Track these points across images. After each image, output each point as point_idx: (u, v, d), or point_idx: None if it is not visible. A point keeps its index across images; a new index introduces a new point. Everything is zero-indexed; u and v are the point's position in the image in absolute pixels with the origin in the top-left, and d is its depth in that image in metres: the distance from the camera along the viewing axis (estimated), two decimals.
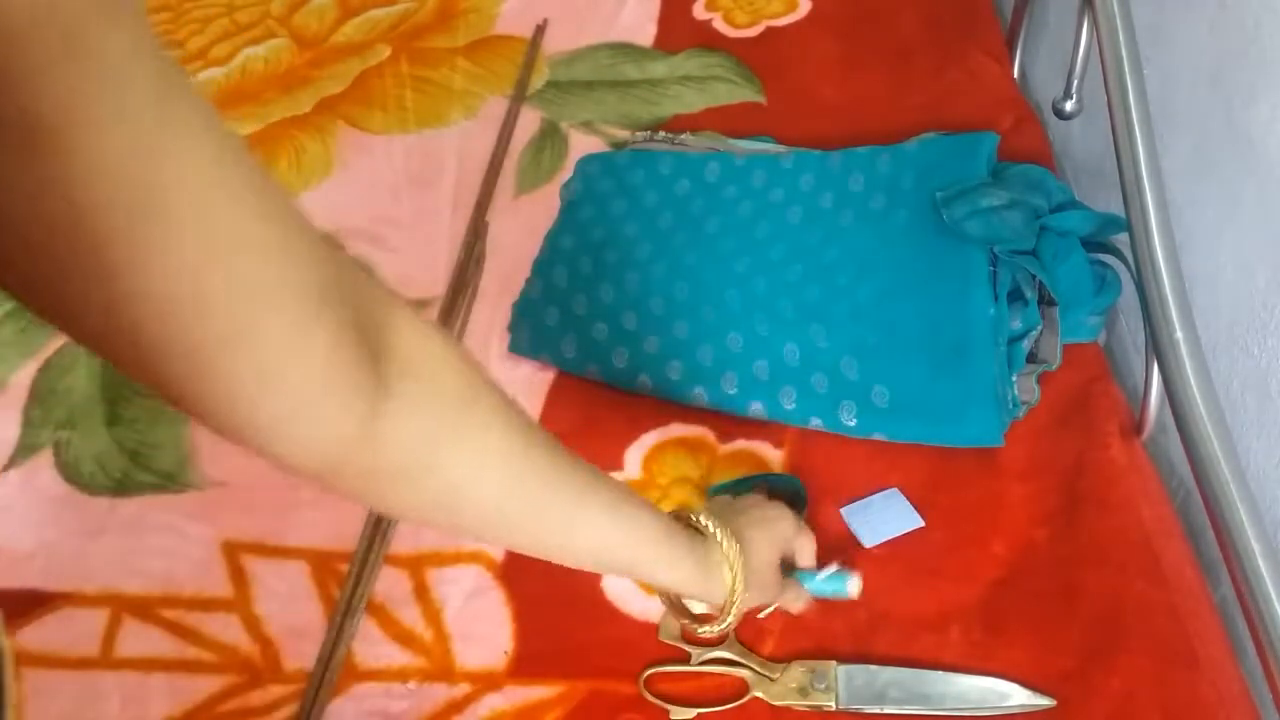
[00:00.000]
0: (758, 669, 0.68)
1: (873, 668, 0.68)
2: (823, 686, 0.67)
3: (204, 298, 0.33)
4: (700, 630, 0.63)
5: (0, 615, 0.49)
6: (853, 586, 0.69)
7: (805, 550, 0.69)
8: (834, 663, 0.68)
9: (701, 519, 0.60)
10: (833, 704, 0.66)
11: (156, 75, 0.30)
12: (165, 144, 0.31)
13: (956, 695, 0.66)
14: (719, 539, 0.60)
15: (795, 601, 0.69)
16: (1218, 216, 0.78)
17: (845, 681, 0.67)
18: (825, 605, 0.72)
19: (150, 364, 0.34)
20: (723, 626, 0.61)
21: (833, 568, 0.69)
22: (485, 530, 0.53)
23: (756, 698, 0.67)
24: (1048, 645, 0.68)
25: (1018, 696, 0.66)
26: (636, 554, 0.56)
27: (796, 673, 0.67)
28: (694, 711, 0.67)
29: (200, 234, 0.32)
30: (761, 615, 0.70)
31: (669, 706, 0.68)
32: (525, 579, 0.76)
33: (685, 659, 0.70)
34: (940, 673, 0.67)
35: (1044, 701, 0.65)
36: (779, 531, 0.66)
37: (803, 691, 0.67)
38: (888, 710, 0.66)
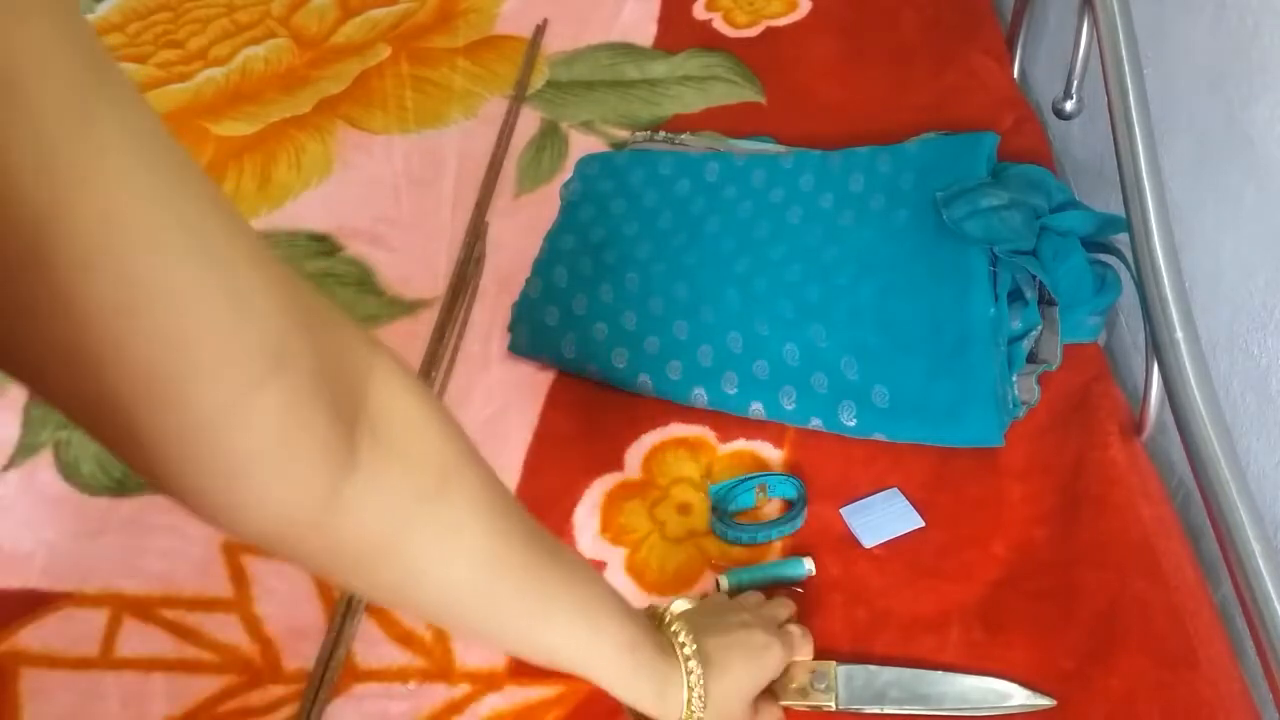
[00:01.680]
0: None
1: (872, 668, 0.67)
2: (823, 686, 0.66)
3: (123, 347, 0.29)
4: None
5: None
6: (809, 564, 0.73)
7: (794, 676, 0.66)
8: (834, 663, 0.67)
9: (678, 634, 0.57)
10: (833, 704, 0.66)
11: (75, 88, 0.26)
12: (84, 162, 0.27)
13: (957, 695, 0.66)
14: (684, 659, 0.56)
15: None
16: (1218, 216, 0.78)
17: (845, 681, 0.67)
18: (824, 605, 0.72)
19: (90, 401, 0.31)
20: None
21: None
22: (440, 618, 0.51)
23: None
24: (1048, 645, 0.68)
25: (1018, 696, 0.65)
26: (594, 664, 0.53)
27: (796, 673, 0.67)
28: None
29: (122, 280, 0.28)
30: None
31: None
32: None
33: None
34: (940, 673, 0.67)
35: (1044, 701, 0.65)
36: (762, 664, 0.62)
37: (802, 692, 0.66)
38: (888, 710, 0.66)
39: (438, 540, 0.42)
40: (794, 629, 0.66)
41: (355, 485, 0.36)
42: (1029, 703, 0.65)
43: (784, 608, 0.68)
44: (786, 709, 0.66)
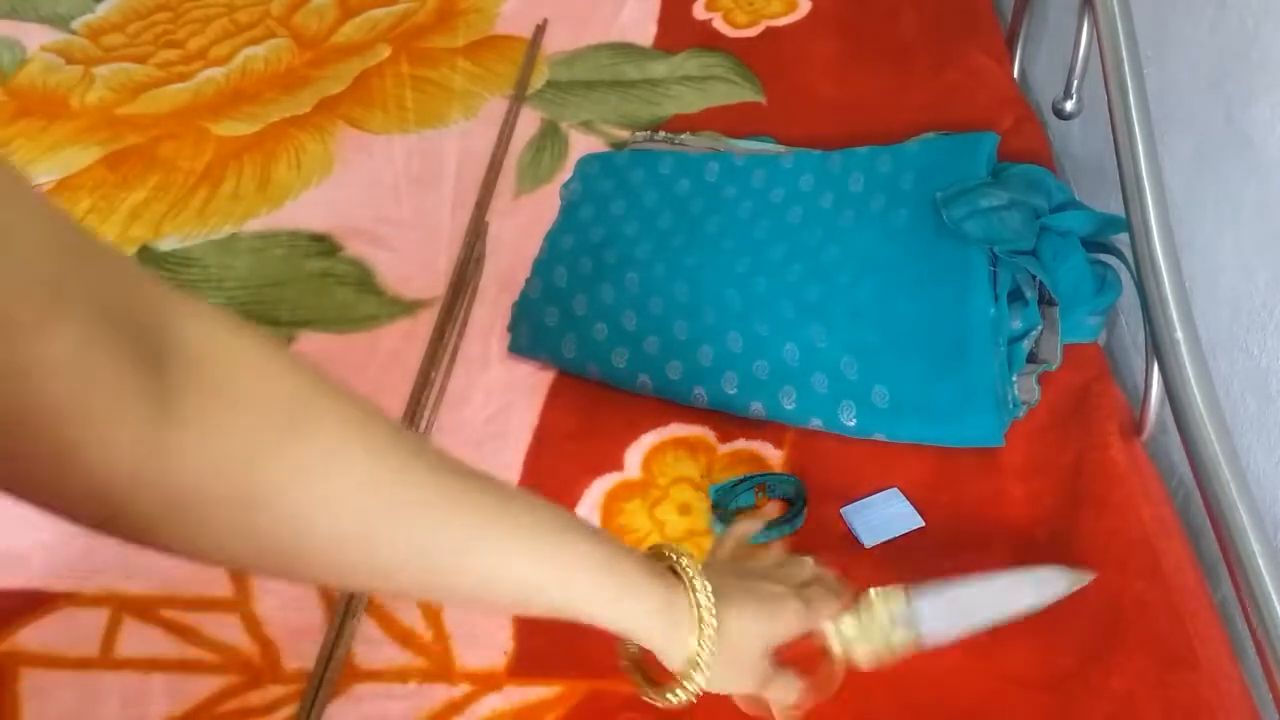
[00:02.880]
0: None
1: (939, 585, 0.59)
2: (904, 621, 0.58)
3: None
4: (653, 697, 0.53)
5: None
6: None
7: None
8: (901, 592, 0.58)
9: (681, 561, 0.51)
10: (923, 635, 0.58)
11: None
12: None
13: (1017, 595, 0.60)
14: (694, 586, 0.50)
15: (782, 701, 0.57)
16: (1218, 216, 0.78)
17: (928, 613, 0.58)
18: None
19: None
20: (679, 699, 0.51)
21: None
22: (347, 571, 0.41)
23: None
24: (1048, 645, 0.68)
25: (1060, 581, 0.60)
26: (571, 592, 0.47)
27: (871, 617, 0.58)
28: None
29: None
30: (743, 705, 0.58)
31: None
32: None
33: None
34: (994, 576, 0.61)
35: (1086, 577, 0.61)
36: (775, 613, 0.54)
37: (884, 633, 0.57)
38: (978, 627, 0.60)
39: (306, 482, 0.37)
40: (814, 590, 0.57)
41: (180, 431, 0.33)
42: (1073, 582, 0.60)
43: (804, 567, 0.58)
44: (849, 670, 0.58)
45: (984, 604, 0.60)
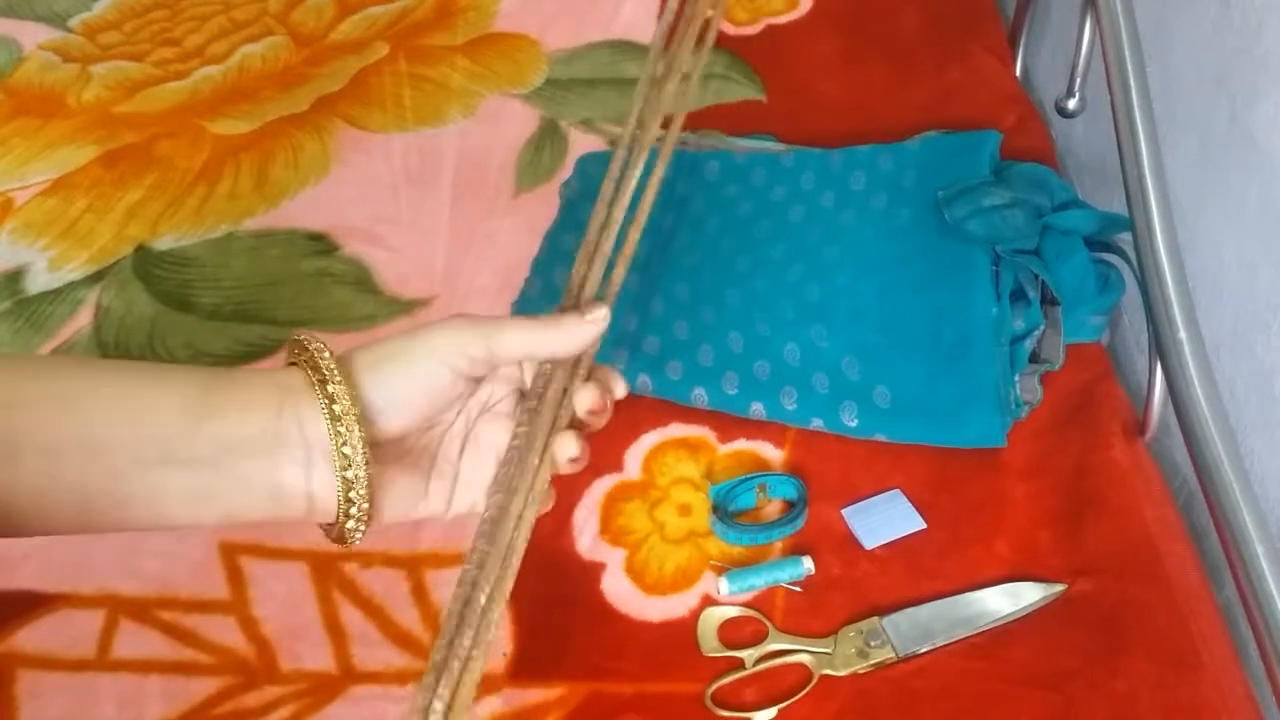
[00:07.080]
0: (812, 649, 0.69)
1: (910, 610, 0.70)
2: (878, 642, 0.68)
3: None
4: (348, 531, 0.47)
5: None
6: (808, 563, 0.73)
7: (518, 338, 0.50)
8: (876, 618, 0.69)
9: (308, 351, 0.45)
10: (893, 654, 0.67)
11: None
12: None
13: (988, 610, 0.69)
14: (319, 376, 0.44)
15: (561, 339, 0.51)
16: (1221, 216, 0.78)
17: (894, 631, 0.69)
18: (825, 605, 0.71)
19: None
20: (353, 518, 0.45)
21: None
22: None
23: (824, 675, 0.68)
24: (1050, 646, 0.68)
25: (1030, 593, 0.69)
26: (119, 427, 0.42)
27: (849, 638, 0.69)
28: (774, 709, 0.67)
29: None
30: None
31: (747, 714, 0.67)
32: (525, 580, 0.75)
33: (740, 665, 0.69)
34: (964, 594, 0.70)
35: (1057, 588, 0.69)
36: (439, 340, 0.48)
37: (862, 654, 0.68)
38: (939, 643, 0.68)
39: None
40: None
41: None
42: (1046, 594, 0.69)
43: None
44: (854, 675, 0.67)
45: (955, 616, 0.69)
